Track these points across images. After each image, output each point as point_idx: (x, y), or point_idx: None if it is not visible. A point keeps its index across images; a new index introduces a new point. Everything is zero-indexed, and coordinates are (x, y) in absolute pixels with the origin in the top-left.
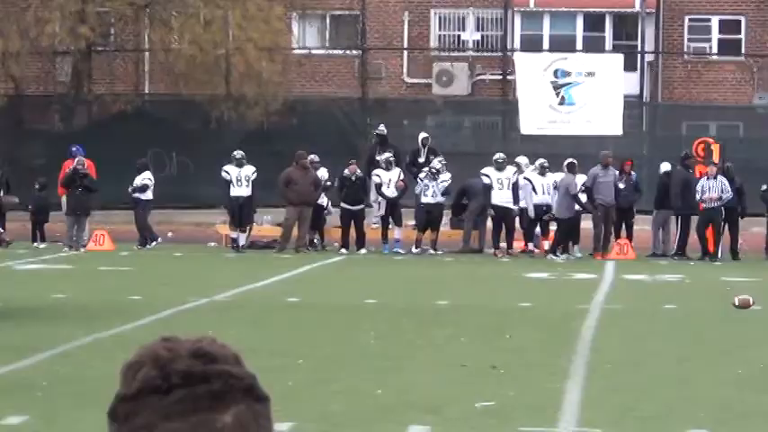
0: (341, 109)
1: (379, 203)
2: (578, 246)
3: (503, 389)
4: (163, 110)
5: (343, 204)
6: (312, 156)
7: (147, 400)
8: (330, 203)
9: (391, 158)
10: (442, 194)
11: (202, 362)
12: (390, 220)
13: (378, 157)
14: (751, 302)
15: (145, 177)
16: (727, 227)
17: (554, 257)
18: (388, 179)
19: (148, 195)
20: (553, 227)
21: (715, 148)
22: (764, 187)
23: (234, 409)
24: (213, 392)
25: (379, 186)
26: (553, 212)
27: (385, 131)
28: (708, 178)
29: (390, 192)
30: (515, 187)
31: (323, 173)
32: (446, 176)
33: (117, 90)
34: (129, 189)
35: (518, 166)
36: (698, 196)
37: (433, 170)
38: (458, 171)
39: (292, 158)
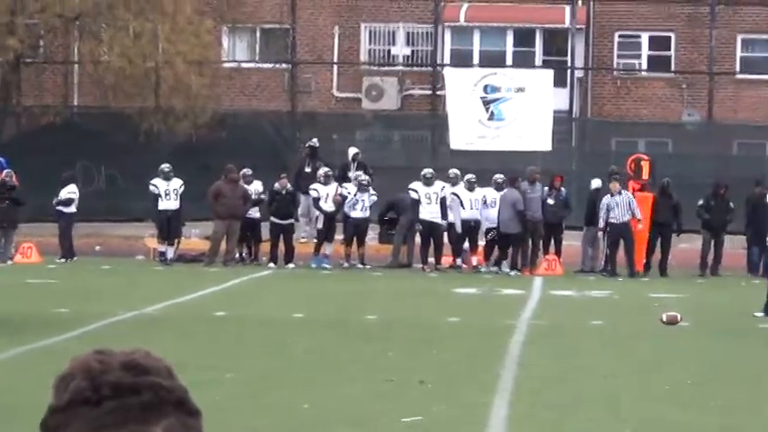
0: (270, 122)
1: (317, 218)
2: (507, 261)
3: (430, 404)
4: (92, 122)
5: (272, 218)
6: (245, 169)
7: (77, 411)
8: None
9: (329, 172)
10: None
11: (133, 374)
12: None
13: (307, 169)
14: (679, 319)
15: (70, 191)
16: (659, 243)
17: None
18: (326, 193)
19: (72, 209)
20: (482, 241)
21: (645, 164)
22: (701, 203)
23: (164, 422)
24: (144, 404)
25: (317, 201)
26: (493, 228)
27: (317, 144)
28: (612, 195)
29: (328, 206)
30: (443, 202)
31: (257, 186)
32: (372, 192)
33: (46, 102)
34: (54, 202)
35: (456, 176)
36: (601, 214)
37: (364, 182)
38: (387, 185)
39: (221, 172)
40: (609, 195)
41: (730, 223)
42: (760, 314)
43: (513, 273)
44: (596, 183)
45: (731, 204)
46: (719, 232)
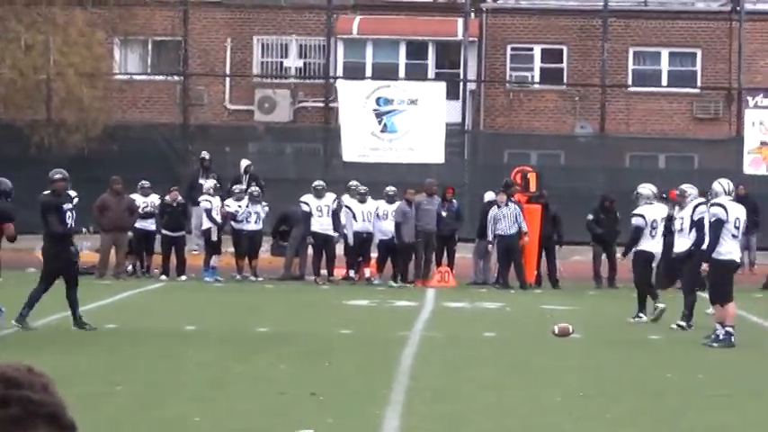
0: (162, 135)
1: (211, 230)
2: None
3: (322, 416)
4: None
5: (163, 231)
6: (143, 182)
7: None
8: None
9: (217, 185)
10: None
11: (3, 387)
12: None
13: (201, 181)
14: (570, 331)
15: None
16: (544, 255)
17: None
18: (217, 205)
19: None
20: (374, 253)
21: (532, 177)
22: (590, 217)
23: None
24: (12, 417)
25: (209, 212)
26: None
27: (207, 157)
28: (499, 207)
29: (219, 218)
30: (335, 214)
31: (154, 199)
32: (264, 204)
33: None
34: None
35: (350, 189)
36: (489, 226)
37: (255, 194)
38: (279, 198)
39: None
40: (496, 207)
41: (619, 235)
42: (674, 326)
43: (397, 284)
44: (489, 195)
45: (619, 216)
46: (610, 244)
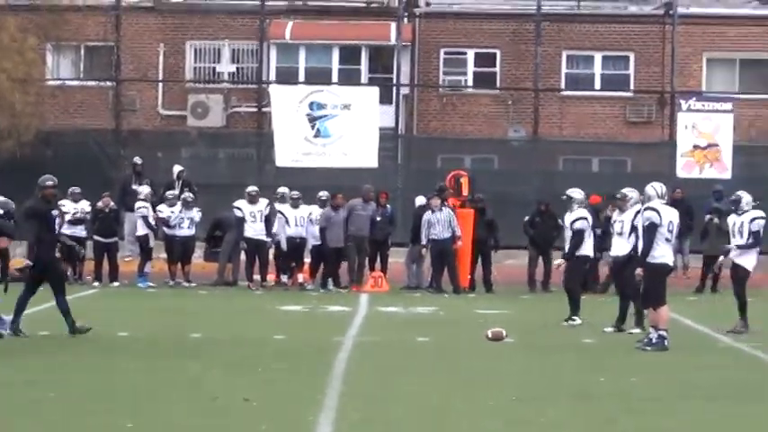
0: (95, 140)
1: (147, 236)
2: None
3: (255, 422)
4: None
5: (96, 237)
6: (74, 188)
7: None
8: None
9: (152, 191)
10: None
11: None
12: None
13: (134, 186)
14: (504, 335)
15: None
16: (480, 259)
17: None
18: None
19: None
20: (308, 258)
21: (464, 181)
22: (527, 218)
23: None
24: None
25: (146, 218)
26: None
27: (139, 162)
28: (433, 211)
29: (155, 224)
30: (268, 219)
31: (84, 205)
32: (197, 209)
33: None
34: None
35: (282, 196)
36: (423, 230)
37: (188, 200)
38: (212, 203)
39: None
40: (430, 212)
41: (557, 239)
42: (609, 329)
43: (332, 289)
44: (420, 200)
45: (559, 221)
46: (546, 249)
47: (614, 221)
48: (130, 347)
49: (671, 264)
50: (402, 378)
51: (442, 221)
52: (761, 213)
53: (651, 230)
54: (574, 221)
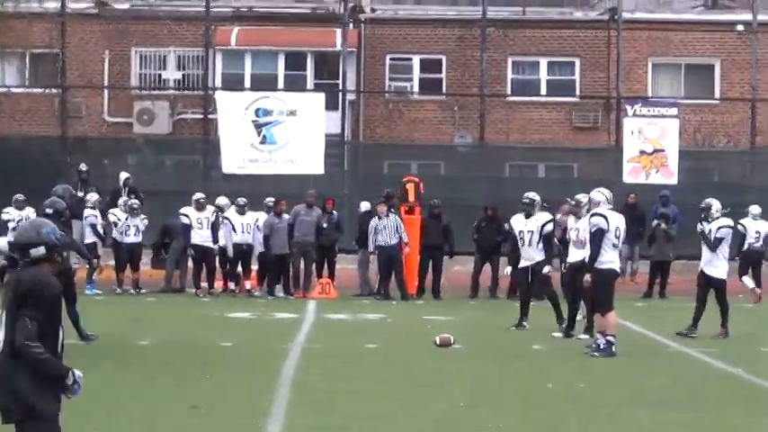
0: (40, 148)
1: (96, 243)
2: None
3: (203, 429)
4: None
5: None
6: (18, 195)
7: None
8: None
9: (99, 200)
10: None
11: None
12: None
13: (79, 194)
14: (452, 341)
15: None
16: (431, 265)
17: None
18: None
19: None
20: (255, 265)
21: (410, 186)
22: (474, 224)
23: None
24: None
25: (95, 227)
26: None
27: (84, 169)
28: (380, 218)
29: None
30: (215, 227)
31: (29, 212)
32: (143, 216)
33: None
34: None
35: (219, 208)
36: (370, 237)
37: (134, 207)
38: (159, 210)
39: None
40: (377, 218)
41: (503, 245)
42: (558, 335)
43: (280, 295)
44: (365, 205)
45: (505, 226)
46: (491, 254)
47: (570, 228)
48: (77, 354)
49: (618, 270)
50: (350, 384)
51: (389, 228)
52: (728, 222)
53: (599, 236)
54: (543, 225)
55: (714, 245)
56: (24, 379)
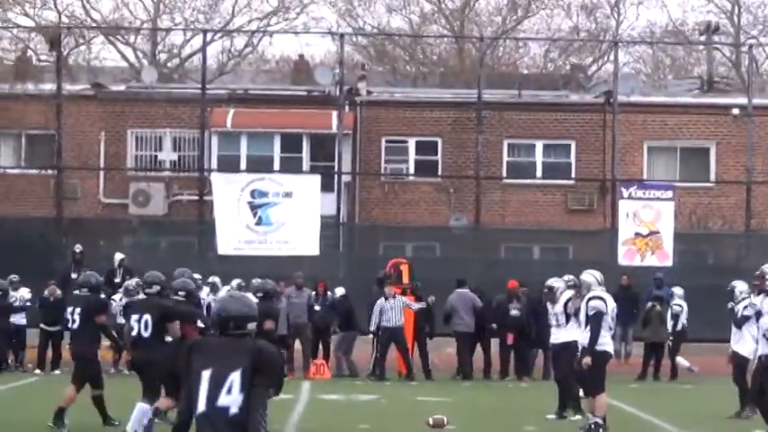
0: (36, 229)
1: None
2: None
3: None
4: None
5: (42, 325)
6: (12, 276)
7: None
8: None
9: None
10: None
11: None
12: None
13: (73, 275)
14: (445, 422)
15: None
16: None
17: None
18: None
19: None
20: None
21: (404, 268)
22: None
23: None
24: None
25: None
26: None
27: (78, 251)
28: (387, 299)
29: None
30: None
31: (24, 293)
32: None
33: None
34: None
35: (213, 284)
36: (374, 318)
37: (130, 288)
38: None
39: None
40: (383, 299)
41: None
42: (551, 417)
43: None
44: (340, 291)
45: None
46: (484, 336)
47: (551, 314)
48: None
49: (611, 351)
50: None
51: (396, 308)
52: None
53: (598, 318)
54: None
55: (740, 323)
56: None
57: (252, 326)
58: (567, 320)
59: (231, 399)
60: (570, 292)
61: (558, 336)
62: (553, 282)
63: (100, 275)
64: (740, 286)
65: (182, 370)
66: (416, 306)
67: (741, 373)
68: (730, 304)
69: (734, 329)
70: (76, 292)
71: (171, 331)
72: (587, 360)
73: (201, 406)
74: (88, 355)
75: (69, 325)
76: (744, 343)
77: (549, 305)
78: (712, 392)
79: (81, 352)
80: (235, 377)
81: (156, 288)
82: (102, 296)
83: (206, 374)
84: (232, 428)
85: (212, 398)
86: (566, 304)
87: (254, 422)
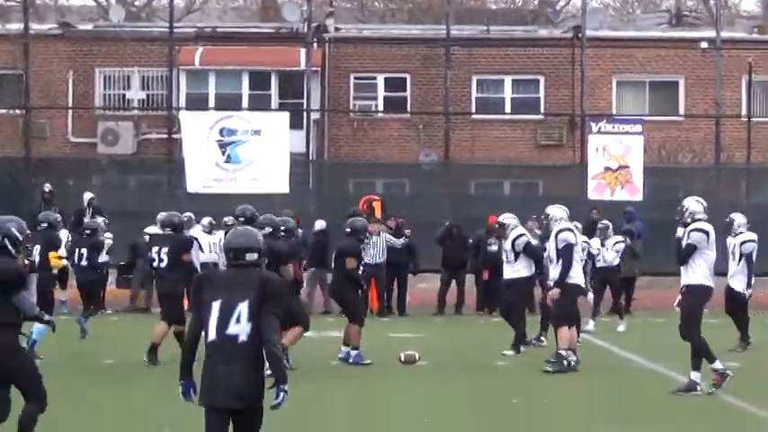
0: (4, 169)
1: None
2: None
3: None
4: None
5: None
6: None
7: None
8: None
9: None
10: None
11: None
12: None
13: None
14: (417, 358)
15: None
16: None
17: None
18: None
19: None
20: None
21: (377, 204)
22: (436, 237)
23: None
24: None
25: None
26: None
27: (48, 190)
28: (371, 235)
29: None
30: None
31: None
32: (108, 236)
33: None
34: None
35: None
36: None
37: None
38: (123, 230)
39: None
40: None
41: (467, 261)
42: (509, 352)
43: None
44: (320, 224)
45: (470, 241)
46: (458, 271)
47: (503, 250)
48: (44, 374)
49: (583, 285)
50: (314, 402)
51: (378, 246)
52: (752, 236)
53: (569, 251)
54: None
55: (745, 261)
56: (259, 373)
57: (251, 256)
58: (516, 258)
59: (240, 327)
60: (520, 230)
61: (506, 272)
62: (504, 218)
63: (67, 215)
64: (739, 219)
65: (192, 302)
66: (400, 242)
67: (739, 307)
68: (629, 241)
69: (731, 263)
70: (160, 231)
71: (284, 273)
72: (555, 292)
73: (212, 335)
74: (174, 292)
75: (155, 264)
76: (739, 278)
77: (502, 241)
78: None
79: (167, 290)
80: (243, 307)
81: (267, 230)
82: (188, 235)
83: (216, 305)
84: (241, 355)
85: (222, 327)
86: (514, 241)
87: (268, 346)
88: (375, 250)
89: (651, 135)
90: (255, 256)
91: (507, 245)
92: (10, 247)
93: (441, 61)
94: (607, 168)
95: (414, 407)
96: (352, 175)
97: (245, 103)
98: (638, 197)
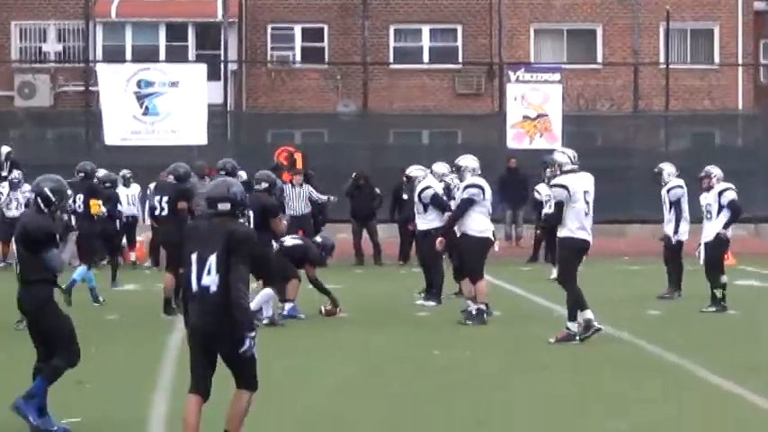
0: None
1: None
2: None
3: (89, 404)
4: None
5: None
6: None
7: None
8: None
9: None
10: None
11: None
12: None
13: None
14: (338, 310)
15: None
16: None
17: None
18: None
19: None
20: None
21: (298, 156)
22: (345, 189)
23: None
24: None
25: None
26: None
27: None
28: (293, 186)
29: None
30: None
31: None
32: (27, 188)
33: None
34: None
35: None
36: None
37: (15, 181)
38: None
39: None
40: (290, 186)
41: (377, 210)
42: (428, 303)
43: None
44: (243, 175)
45: (377, 191)
46: (367, 221)
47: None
48: None
49: (493, 237)
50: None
51: (301, 197)
52: (678, 182)
53: (465, 205)
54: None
55: (669, 208)
56: (232, 318)
57: (223, 206)
58: (425, 209)
59: (210, 279)
60: (428, 181)
61: (419, 223)
62: (412, 170)
63: None
64: (668, 168)
65: (181, 254)
66: (323, 198)
67: (669, 254)
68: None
69: (664, 211)
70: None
71: (276, 227)
72: (440, 240)
73: (194, 285)
74: (175, 239)
75: (156, 213)
76: (671, 227)
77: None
78: (604, 274)
79: (169, 237)
80: (212, 259)
81: (264, 185)
82: (188, 185)
83: (194, 257)
84: (213, 307)
85: (198, 278)
86: (420, 193)
87: (234, 296)
88: (298, 202)
89: (569, 83)
90: (228, 206)
91: (416, 196)
92: (43, 206)
93: (358, 11)
94: (526, 117)
95: (338, 359)
96: (270, 125)
97: (162, 55)
98: (557, 145)
